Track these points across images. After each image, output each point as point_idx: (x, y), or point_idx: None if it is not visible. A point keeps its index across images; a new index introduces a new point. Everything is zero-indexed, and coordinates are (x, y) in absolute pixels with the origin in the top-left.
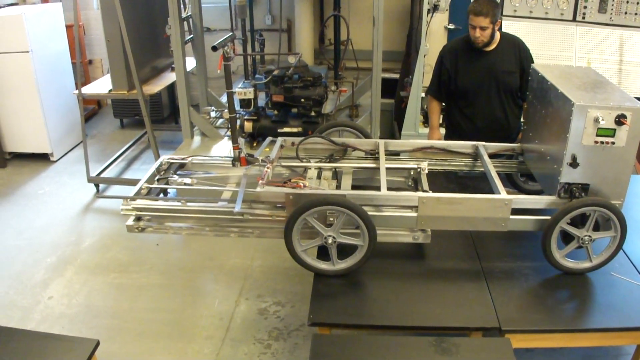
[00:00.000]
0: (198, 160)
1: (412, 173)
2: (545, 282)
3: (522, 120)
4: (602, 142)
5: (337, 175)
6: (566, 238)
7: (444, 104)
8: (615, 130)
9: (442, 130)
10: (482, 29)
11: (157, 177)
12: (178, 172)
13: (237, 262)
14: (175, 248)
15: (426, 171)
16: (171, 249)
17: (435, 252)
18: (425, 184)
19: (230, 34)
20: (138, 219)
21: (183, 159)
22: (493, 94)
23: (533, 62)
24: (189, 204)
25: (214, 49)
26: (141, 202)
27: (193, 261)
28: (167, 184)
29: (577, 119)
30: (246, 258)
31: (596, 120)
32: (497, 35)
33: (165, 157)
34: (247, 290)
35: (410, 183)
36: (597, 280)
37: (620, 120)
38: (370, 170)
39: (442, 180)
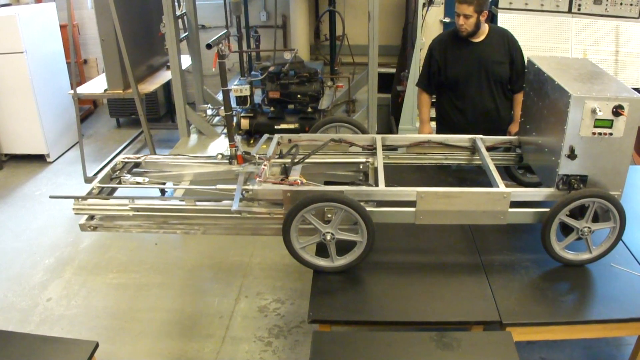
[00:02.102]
0: (151, 159)
1: (361, 167)
2: (546, 274)
3: (512, 112)
4: (599, 133)
5: (286, 171)
6: (565, 230)
7: (434, 97)
8: (612, 121)
9: (433, 124)
10: (466, 17)
11: (112, 177)
12: (133, 171)
13: (236, 259)
14: (173, 247)
15: (375, 165)
16: (170, 248)
17: (434, 246)
18: (372, 178)
19: (225, 31)
20: (91, 217)
21: (137, 158)
22: (483, 84)
23: (522, 54)
24: (136, 201)
25: (208, 47)
26: (93, 202)
27: (192, 260)
28: (119, 183)
29: (574, 110)
30: (245, 255)
31: (593, 112)
32: (486, 27)
33: (121, 157)
34: (246, 288)
35: (361, 177)
36: (597, 272)
37: (617, 111)
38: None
39: (441, 174)
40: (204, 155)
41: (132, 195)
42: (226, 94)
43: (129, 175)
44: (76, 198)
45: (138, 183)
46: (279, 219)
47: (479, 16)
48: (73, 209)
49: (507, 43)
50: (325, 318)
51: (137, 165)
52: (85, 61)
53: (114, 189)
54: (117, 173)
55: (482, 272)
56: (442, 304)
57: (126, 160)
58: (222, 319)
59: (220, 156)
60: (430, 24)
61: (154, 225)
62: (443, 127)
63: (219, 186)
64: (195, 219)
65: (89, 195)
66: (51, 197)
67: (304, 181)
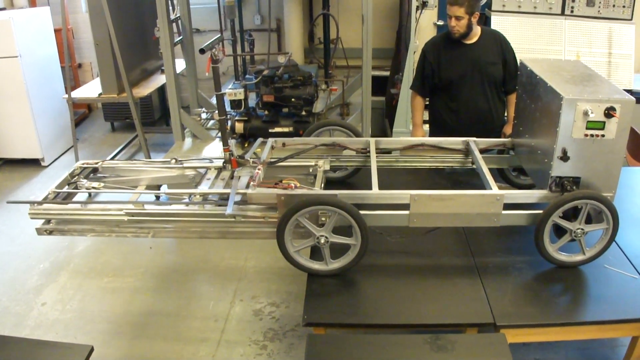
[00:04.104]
0: (108, 165)
1: (310, 170)
2: (539, 276)
3: (506, 115)
4: (592, 135)
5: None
6: (559, 231)
7: (427, 100)
8: (604, 122)
9: (426, 127)
10: (458, 18)
11: (69, 182)
12: (90, 176)
13: (231, 263)
14: (168, 251)
15: (324, 168)
16: (164, 252)
17: (428, 249)
18: (319, 180)
19: (218, 36)
20: (47, 221)
21: (95, 163)
22: (477, 85)
23: (514, 54)
24: (89, 205)
25: (202, 51)
26: (49, 207)
27: (187, 264)
28: (76, 188)
29: (566, 112)
30: (240, 259)
31: (585, 114)
32: (478, 29)
33: (80, 162)
34: (241, 292)
35: (312, 180)
36: (591, 273)
37: (609, 112)
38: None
39: (434, 177)
40: (159, 160)
41: (85, 200)
42: (220, 98)
43: (85, 180)
44: (32, 203)
45: (94, 188)
46: (272, 223)
47: (470, 17)
48: (29, 213)
49: (499, 44)
50: (320, 321)
51: (95, 170)
52: (79, 65)
53: (69, 194)
54: (75, 178)
55: (476, 274)
56: (436, 306)
57: (84, 165)
58: (217, 323)
59: (173, 161)
60: (424, 27)
61: (106, 229)
62: (436, 129)
63: (168, 190)
64: (145, 223)
65: (45, 200)
66: (9, 202)
67: (298, 185)
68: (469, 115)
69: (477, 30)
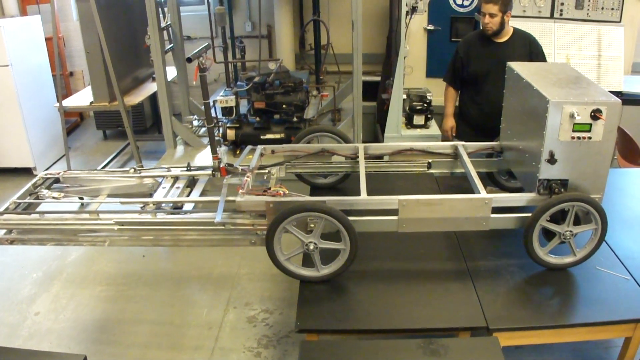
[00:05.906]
0: (70, 175)
1: (265, 177)
2: (531, 278)
3: None
4: (578, 137)
5: (193, 183)
6: (549, 234)
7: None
8: (591, 125)
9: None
10: (491, 16)
11: (31, 192)
12: (53, 186)
13: (224, 270)
14: (161, 259)
15: (279, 174)
16: (158, 260)
17: (420, 253)
18: (272, 184)
19: (206, 44)
20: (9, 231)
21: (57, 173)
22: (499, 82)
23: (544, 57)
24: (46, 215)
25: (189, 60)
26: (9, 217)
27: (180, 271)
28: (37, 198)
29: (553, 115)
30: (233, 266)
31: (572, 116)
32: (511, 29)
33: (43, 173)
34: (235, 299)
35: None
36: (582, 275)
37: (595, 115)
38: None
39: (425, 182)
40: (119, 169)
41: (46, 210)
42: (207, 106)
43: (46, 191)
44: None
45: (54, 198)
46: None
47: (503, 15)
48: None
49: (528, 45)
50: (313, 327)
51: (57, 180)
52: (71, 73)
53: (29, 204)
54: (38, 189)
55: (468, 278)
56: (429, 310)
57: (47, 176)
58: (211, 330)
59: (132, 170)
60: (414, 32)
61: (64, 238)
62: (461, 120)
63: (122, 200)
64: (102, 232)
65: (6, 210)
66: None
67: (287, 192)
68: (490, 109)
69: (509, 30)
